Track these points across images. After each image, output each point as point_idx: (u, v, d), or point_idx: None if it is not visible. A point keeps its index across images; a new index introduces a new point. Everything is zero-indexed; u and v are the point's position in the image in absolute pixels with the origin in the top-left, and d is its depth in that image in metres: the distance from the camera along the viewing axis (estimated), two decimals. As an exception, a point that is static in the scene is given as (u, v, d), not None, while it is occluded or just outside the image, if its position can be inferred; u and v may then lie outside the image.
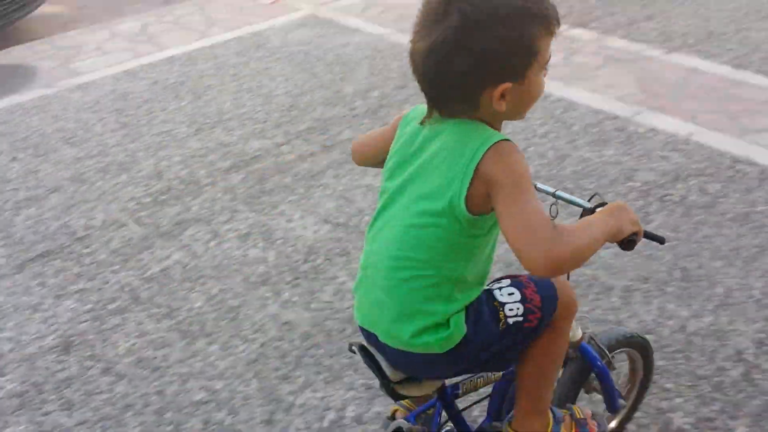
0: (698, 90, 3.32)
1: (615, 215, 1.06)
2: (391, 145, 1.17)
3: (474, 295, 1.13)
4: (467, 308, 1.12)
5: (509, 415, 1.32)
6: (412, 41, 1.05)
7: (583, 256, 0.99)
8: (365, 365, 1.22)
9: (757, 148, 2.83)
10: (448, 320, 1.09)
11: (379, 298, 1.13)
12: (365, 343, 1.22)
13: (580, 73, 3.61)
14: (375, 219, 1.17)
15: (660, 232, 1.34)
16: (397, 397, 1.24)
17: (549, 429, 1.29)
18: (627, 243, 1.10)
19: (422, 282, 1.08)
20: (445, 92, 1.06)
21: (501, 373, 1.38)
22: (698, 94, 3.29)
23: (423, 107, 1.13)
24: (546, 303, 1.17)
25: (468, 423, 1.39)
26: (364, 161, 1.35)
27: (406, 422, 1.29)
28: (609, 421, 1.63)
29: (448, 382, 1.30)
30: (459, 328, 1.10)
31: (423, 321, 1.09)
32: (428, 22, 1.02)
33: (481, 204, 1.03)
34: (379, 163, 1.23)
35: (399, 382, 1.20)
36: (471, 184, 1.01)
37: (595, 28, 4.10)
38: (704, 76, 3.45)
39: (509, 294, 1.16)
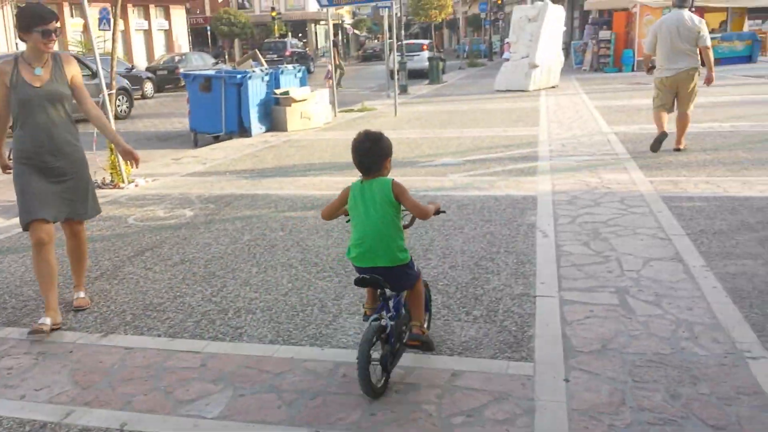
0: (135, 370, 3.23)
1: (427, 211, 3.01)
2: (349, 196, 2.96)
3: (408, 255, 2.97)
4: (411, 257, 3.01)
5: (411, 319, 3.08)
6: (356, 149, 2.95)
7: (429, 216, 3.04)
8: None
9: None
10: (405, 254, 2.93)
11: (377, 248, 2.87)
12: (362, 276, 2.89)
13: (7, 380, 3.18)
14: (354, 219, 2.96)
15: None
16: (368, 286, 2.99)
17: (425, 318, 3.14)
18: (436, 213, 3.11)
19: (393, 239, 2.89)
20: (371, 166, 2.93)
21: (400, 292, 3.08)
22: (135, 374, 3.19)
23: (356, 183, 2.96)
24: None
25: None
26: (330, 216, 3.15)
27: (378, 316, 2.88)
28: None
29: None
30: (407, 257, 2.93)
31: (397, 252, 2.89)
32: (361, 141, 2.96)
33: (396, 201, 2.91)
34: (339, 214, 3.11)
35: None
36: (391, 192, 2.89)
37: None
38: (142, 353, 3.41)
39: None
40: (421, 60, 26.56)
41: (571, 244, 4.71)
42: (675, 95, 7.83)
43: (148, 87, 23.60)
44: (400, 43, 21.98)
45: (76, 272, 4.12)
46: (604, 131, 9.87)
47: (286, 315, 3.75)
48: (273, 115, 12.20)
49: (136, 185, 7.67)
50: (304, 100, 12.29)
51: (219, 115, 11.55)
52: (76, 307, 4.01)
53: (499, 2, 42.94)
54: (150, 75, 24.44)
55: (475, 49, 41.34)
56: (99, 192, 7.33)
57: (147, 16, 33.92)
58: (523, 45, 17.99)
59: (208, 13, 48.79)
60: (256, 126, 11.72)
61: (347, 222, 3.04)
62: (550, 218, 5.38)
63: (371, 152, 2.93)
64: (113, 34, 8.16)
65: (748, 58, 22.64)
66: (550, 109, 13.19)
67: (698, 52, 7.64)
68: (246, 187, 7.27)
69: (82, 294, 4.10)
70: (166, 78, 25.72)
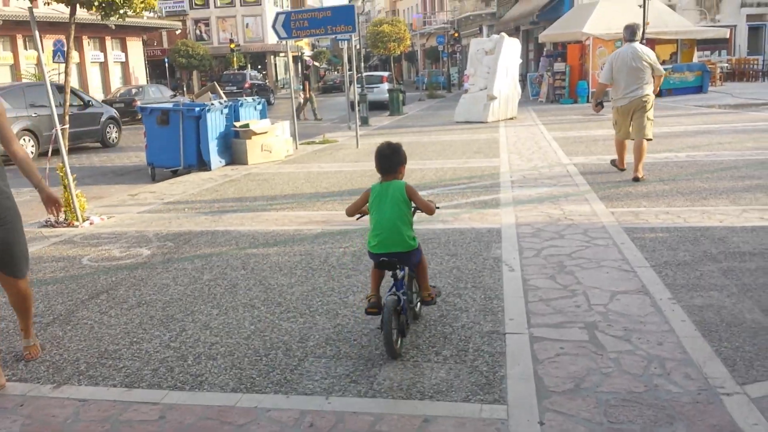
0: (90, 425, 3.04)
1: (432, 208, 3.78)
2: (369, 197, 3.71)
3: (417, 241, 3.73)
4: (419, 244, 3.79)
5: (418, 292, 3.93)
6: (378, 155, 3.75)
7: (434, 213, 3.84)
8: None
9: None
10: (414, 241, 3.69)
11: (393, 238, 3.57)
12: (382, 259, 3.60)
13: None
14: (374, 215, 3.66)
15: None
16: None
17: (431, 290, 3.92)
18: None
19: (405, 230, 3.61)
20: (389, 169, 3.73)
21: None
22: (90, 429, 3.00)
23: (376, 185, 3.72)
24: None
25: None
26: (353, 213, 3.87)
27: (392, 294, 3.57)
28: None
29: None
30: (416, 243, 3.70)
31: (409, 241, 3.62)
32: (384, 149, 3.77)
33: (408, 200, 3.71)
34: (360, 212, 3.85)
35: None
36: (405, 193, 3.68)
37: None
38: (96, 405, 3.22)
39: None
40: (381, 92, 26.75)
41: (538, 278, 4.68)
42: (630, 122, 8.36)
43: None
44: (360, 75, 22.11)
45: (22, 320, 3.88)
46: (563, 162, 9.99)
47: (249, 360, 3.60)
48: (233, 148, 12.05)
49: (91, 223, 7.43)
50: (265, 132, 12.19)
51: (177, 149, 11.36)
52: (26, 357, 3.79)
53: (456, 35, 43.72)
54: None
55: (434, 80, 41.83)
56: (52, 231, 7.11)
57: (103, 48, 33.47)
58: (480, 77, 18.26)
59: (165, 45, 48.47)
60: (215, 160, 11.55)
61: (357, 219, 3.95)
62: (516, 251, 5.36)
63: (391, 159, 3.71)
64: (66, 67, 7.95)
65: (699, 89, 23.40)
66: (509, 141, 13.33)
67: (651, 81, 8.20)
68: (205, 224, 7.10)
69: (31, 342, 3.88)
70: (123, 111, 25.27)
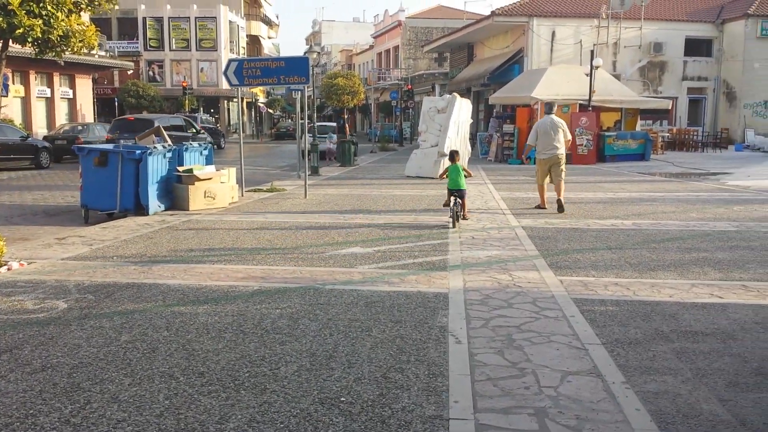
0: None
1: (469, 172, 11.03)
2: (450, 168, 10.21)
3: (465, 186, 10.20)
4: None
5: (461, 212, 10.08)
6: (450, 154, 10.83)
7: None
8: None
9: None
10: (464, 186, 10.06)
11: (457, 184, 9.89)
12: (453, 191, 9.85)
13: None
14: (450, 176, 10.02)
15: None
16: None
17: (467, 212, 10.53)
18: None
19: (462, 183, 9.99)
20: (453, 159, 10.54)
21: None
22: None
23: (453, 165, 10.22)
24: None
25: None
26: (443, 176, 10.60)
27: (456, 201, 9.75)
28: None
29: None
30: (465, 187, 10.14)
31: (463, 186, 9.96)
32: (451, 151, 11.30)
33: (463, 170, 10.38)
34: (444, 175, 10.48)
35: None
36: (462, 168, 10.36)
37: None
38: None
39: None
40: (334, 142, 26.65)
41: (485, 352, 4.39)
42: (549, 172, 11.43)
43: (44, 157, 22.35)
44: (312, 124, 21.95)
45: None
46: (512, 225, 9.88)
47: (159, 443, 3.16)
48: (174, 193, 11.57)
49: (9, 268, 6.84)
50: (209, 178, 11.77)
51: (114, 192, 10.82)
52: None
53: (410, 88, 44.37)
54: (47, 144, 23.18)
55: (387, 134, 42.16)
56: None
57: (50, 84, 32.58)
58: (432, 134, 18.31)
59: (117, 84, 47.67)
60: (154, 204, 11.04)
61: (440, 178, 10.56)
62: (463, 320, 5.07)
63: (453, 156, 10.34)
64: (-3, 100, 7.48)
65: (642, 156, 24.06)
66: (459, 199, 13.22)
67: (563, 143, 11.31)
68: (133, 275, 6.60)
69: None
70: (65, 148, 24.43)
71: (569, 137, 11.44)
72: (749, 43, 31.17)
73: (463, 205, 9.89)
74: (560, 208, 10.93)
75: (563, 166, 11.37)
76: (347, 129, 27.88)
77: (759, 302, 5.62)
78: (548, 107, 11.81)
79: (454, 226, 9.35)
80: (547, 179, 11.53)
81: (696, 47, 32.38)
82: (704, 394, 3.72)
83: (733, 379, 3.95)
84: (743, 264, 7.08)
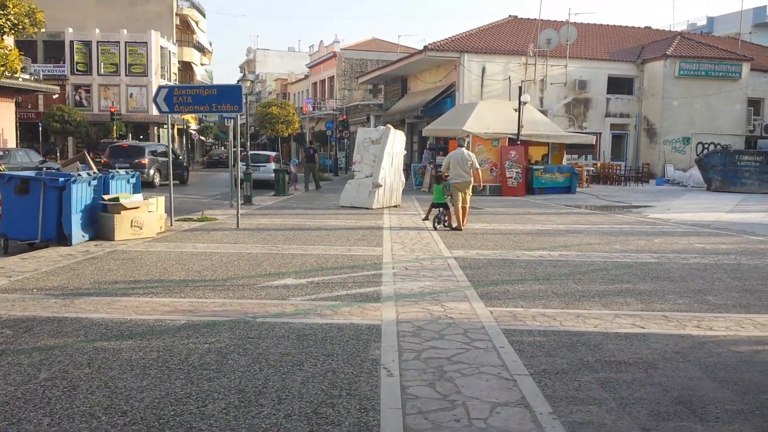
0: None
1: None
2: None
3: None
4: None
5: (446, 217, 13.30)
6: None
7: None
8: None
9: None
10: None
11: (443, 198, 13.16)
12: (437, 208, 13.29)
13: None
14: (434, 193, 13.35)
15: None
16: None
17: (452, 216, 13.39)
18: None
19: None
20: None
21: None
22: None
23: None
24: None
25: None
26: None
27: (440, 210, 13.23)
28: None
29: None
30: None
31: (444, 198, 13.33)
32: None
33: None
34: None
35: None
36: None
37: None
38: None
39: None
40: (267, 171, 26.46)
41: (417, 385, 4.40)
42: (462, 194, 13.34)
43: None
44: (246, 152, 21.74)
45: None
46: (444, 255, 10.01)
47: (77, 488, 3.02)
48: (100, 222, 11.20)
49: None
50: (136, 207, 11.45)
51: (36, 220, 10.38)
52: None
53: (345, 118, 44.66)
54: (-38, 169, 22.05)
55: (322, 163, 42.22)
56: None
57: (-32, 106, 31.20)
58: (367, 165, 18.44)
59: (42, 109, 45.99)
60: (78, 234, 10.64)
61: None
62: (395, 353, 5.08)
63: (439, 178, 12.17)
64: None
65: (568, 189, 24.89)
66: (393, 229, 13.33)
67: (471, 172, 13.32)
68: (53, 308, 6.33)
69: None
70: (-18, 173, 23.31)
71: (477, 167, 13.47)
72: (668, 82, 32.92)
73: (447, 215, 13.21)
74: (458, 228, 13.17)
75: (470, 192, 13.58)
76: (316, 158, 27.68)
77: (679, 332, 5.87)
78: (460, 140, 13.95)
79: (435, 228, 13.14)
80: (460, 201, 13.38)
81: (618, 85, 33.95)
82: (627, 424, 3.84)
83: (655, 408, 4.09)
84: (664, 295, 7.39)
